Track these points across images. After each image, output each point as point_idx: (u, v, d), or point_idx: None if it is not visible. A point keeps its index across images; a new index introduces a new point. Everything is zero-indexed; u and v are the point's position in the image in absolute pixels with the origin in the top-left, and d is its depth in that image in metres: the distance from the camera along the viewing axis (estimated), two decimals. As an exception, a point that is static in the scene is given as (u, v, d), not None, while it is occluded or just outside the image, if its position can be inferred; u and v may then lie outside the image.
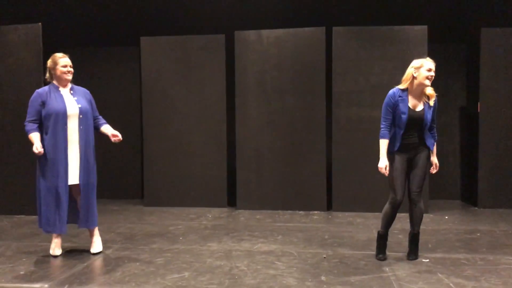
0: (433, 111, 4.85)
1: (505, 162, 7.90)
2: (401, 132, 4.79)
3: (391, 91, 4.81)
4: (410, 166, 4.98)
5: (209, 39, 8.05)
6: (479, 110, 7.84)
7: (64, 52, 5.59)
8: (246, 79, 7.89)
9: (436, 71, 4.91)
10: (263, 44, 7.90)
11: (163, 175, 8.32)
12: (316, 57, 7.73)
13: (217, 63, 8.00)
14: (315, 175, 7.77)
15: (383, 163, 4.80)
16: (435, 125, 4.94)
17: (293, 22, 8.27)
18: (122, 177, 9.12)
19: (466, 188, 8.72)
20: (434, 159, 5.05)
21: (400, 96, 4.73)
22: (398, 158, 4.88)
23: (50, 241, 5.80)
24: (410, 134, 4.86)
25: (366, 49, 7.59)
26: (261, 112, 7.92)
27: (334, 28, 7.59)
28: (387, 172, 4.82)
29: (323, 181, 7.72)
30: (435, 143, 4.96)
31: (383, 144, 4.84)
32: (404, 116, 4.72)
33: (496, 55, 7.81)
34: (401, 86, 4.81)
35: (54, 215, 5.30)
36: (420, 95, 4.82)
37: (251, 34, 7.88)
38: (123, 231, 6.69)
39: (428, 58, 4.83)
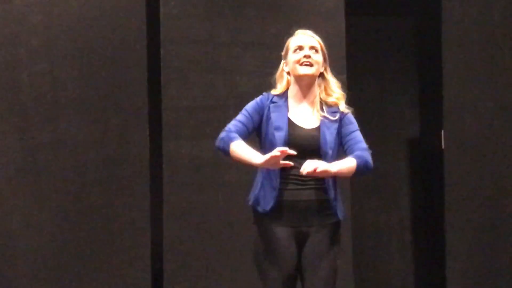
0: (343, 128, 3.72)
1: (493, 238, 6.28)
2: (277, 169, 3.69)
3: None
4: (300, 251, 3.73)
5: None
6: (443, 146, 6.50)
7: None
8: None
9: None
10: (13, 7, 6.11)
11: None
12: (128, 36, 6.09)
13: None
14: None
15: (261, 158, 3.52)
16: (363, 146, 3.69)
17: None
18: None
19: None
20: (330, 165, 3.60)
21: (273, 102, 3.80)
22: (273, 231, 3.60)
23: None
24: (296, 175, 3.64)
25: (228, 24, 6.17)
26: (11, 148, 6.06)
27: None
28: (282, 151, 3.45)
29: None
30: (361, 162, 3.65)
31: (238, 147, 3.60)
32: (280, 135, 3.64)
33: (469, 39, 6.33)
34: (275, 91, 3.85)
35: None
36: (311, 100, 3.74)
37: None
38: None
39: (298, 31, 3.89)
